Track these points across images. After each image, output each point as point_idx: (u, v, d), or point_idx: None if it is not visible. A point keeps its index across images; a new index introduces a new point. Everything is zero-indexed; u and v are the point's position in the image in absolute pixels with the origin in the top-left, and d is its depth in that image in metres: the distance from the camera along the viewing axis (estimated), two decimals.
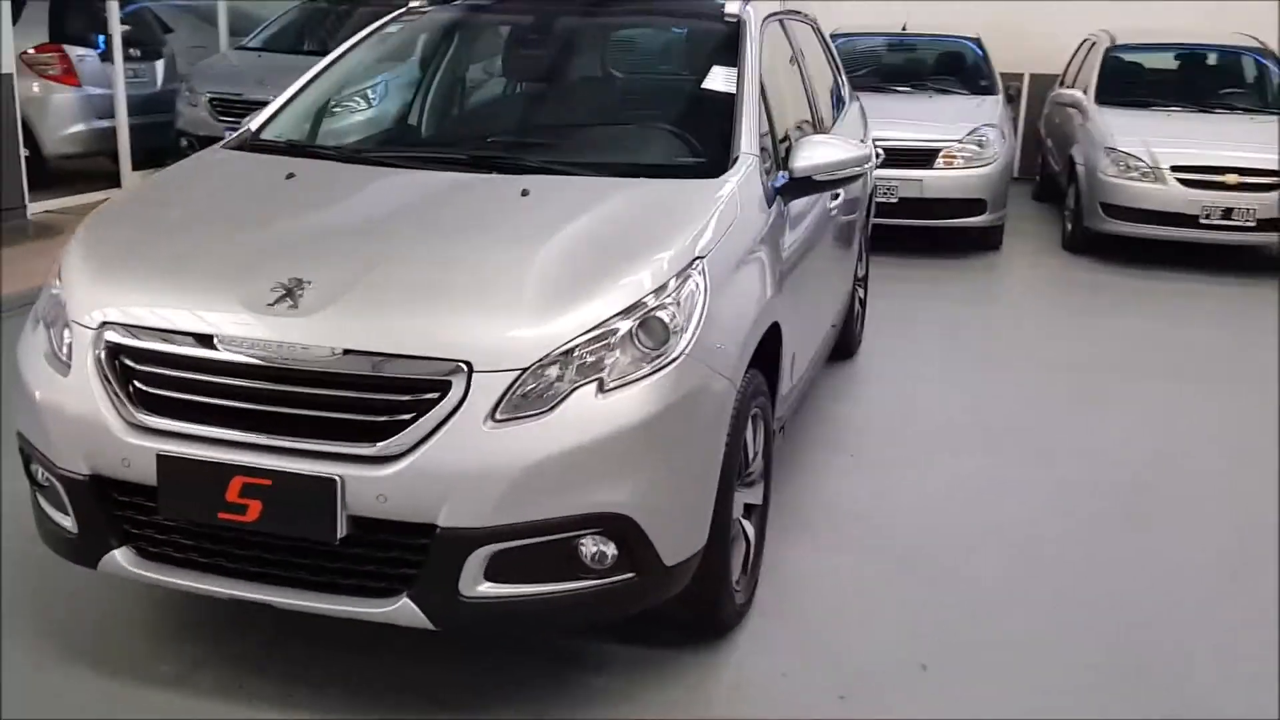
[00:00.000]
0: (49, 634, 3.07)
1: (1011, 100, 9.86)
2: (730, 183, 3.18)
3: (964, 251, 8.50)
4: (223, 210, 3.17)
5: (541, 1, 4.26)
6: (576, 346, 2.54)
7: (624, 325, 2.59)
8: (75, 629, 3.10)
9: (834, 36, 9.92)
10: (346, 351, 2.51)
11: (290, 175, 3.29)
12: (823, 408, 5.05)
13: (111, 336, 2.67)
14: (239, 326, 2.58)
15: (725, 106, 3.49)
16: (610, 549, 2.57)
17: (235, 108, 8.81)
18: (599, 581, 2.59)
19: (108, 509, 2.69)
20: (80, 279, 2.85)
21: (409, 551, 2.52)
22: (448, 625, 2.57)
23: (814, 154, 3.51)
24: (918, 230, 8.34)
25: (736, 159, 3.30)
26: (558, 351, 2.52)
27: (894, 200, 8.13)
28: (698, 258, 2.79)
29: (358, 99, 3.99)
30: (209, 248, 2.91)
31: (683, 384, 2.62)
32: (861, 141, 5.23)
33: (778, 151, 3.62)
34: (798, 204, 3.67)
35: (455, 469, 2.44)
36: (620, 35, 4.20)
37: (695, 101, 3.87)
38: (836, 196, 4.27)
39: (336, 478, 2.46)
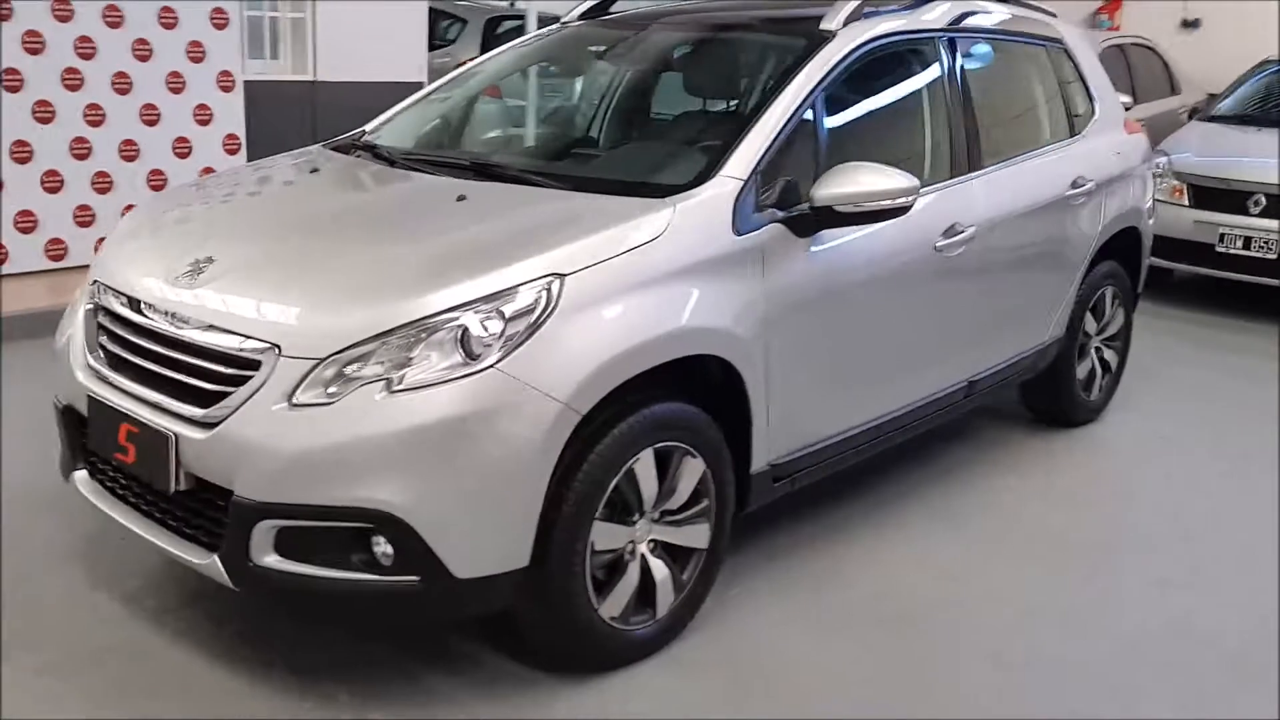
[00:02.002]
0: (69, 544, 3.55)
1: None
2: (668, 205, 3.00)
3: None
4: (232, 196, 3.54)
5: (632, 18, 4.24)
6: (379, 344, 2.59)
7: (437, 328, 2.59)
8: (92, 546, 3.53)
9: (1266, 64, 8.57)
10: (210, 326, 2.78)
11: (315, 170, 3.62)
12: (988, 476, 4.49)
13: (95, 292, 3.16)
14: (152, 293, 2.94)
15: (742, 126, 3.28)
16: (387, 548, 2.60)
17: None
18: (382, 578, 2.62)
19: (76, 435, 3.18)
20: (106, 242, 3.38)
21: (222, 512, 2.72)
22: (244, 588, 2.73)
23: (835, 184, 3.18)
24: None
25: (708, 181, 3.11)
26: (357, 345, 2.58)
27: (1274, 256, 6.89)
28: (554, 274, 2.70)
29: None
30: (185, 226, 3.30)
31: (485, 397, 2.56)
32: (1076, 182, 4.54)
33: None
34: (848, 236, 3.33)
35: (246, 443, 2.60)
36: (704, 50, 4.03)
37: (726, 118, 3.64)
38: (955, 233, 3.78)
39: (171, 434, 2.73)
